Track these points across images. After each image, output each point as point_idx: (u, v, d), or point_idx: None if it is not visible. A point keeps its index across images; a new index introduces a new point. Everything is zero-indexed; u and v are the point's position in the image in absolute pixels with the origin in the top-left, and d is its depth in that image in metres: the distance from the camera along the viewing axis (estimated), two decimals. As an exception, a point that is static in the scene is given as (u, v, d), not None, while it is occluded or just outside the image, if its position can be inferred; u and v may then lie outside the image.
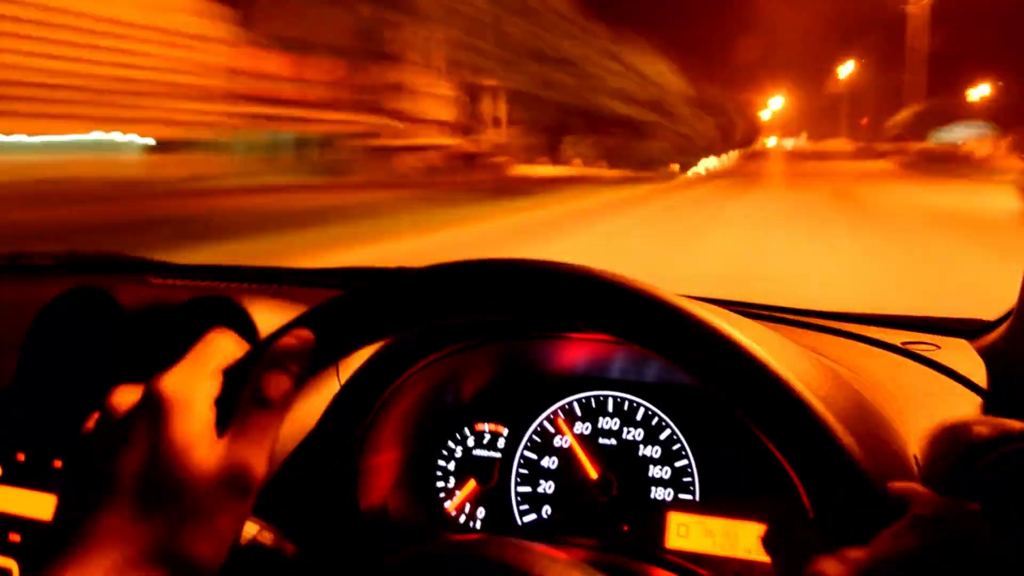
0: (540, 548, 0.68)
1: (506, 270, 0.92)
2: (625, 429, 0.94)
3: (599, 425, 0.95)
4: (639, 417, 0.94)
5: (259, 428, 0.53)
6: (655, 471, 0.91)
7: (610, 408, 0.96)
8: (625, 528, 0.90)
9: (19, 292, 1.01)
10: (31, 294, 0.95)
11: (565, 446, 0.96)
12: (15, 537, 0.81)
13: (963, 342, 0.91)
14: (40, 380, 0.90)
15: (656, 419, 0.93)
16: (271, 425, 0.54)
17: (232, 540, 0.50)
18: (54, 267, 1.04)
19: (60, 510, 0.52)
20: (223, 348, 0.57)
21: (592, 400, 0.97)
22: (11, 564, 0.80)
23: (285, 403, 0.55)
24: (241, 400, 0.54)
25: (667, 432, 0.92)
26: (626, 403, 0.95)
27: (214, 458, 0.50)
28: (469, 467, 0.98)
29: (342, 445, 0.88)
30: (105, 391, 0.86)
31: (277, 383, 0.55)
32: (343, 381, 0.88)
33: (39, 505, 0.81)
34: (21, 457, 0.83)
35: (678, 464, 0.91)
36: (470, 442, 0.99)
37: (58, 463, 0.82)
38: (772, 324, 0.85)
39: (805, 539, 0.65)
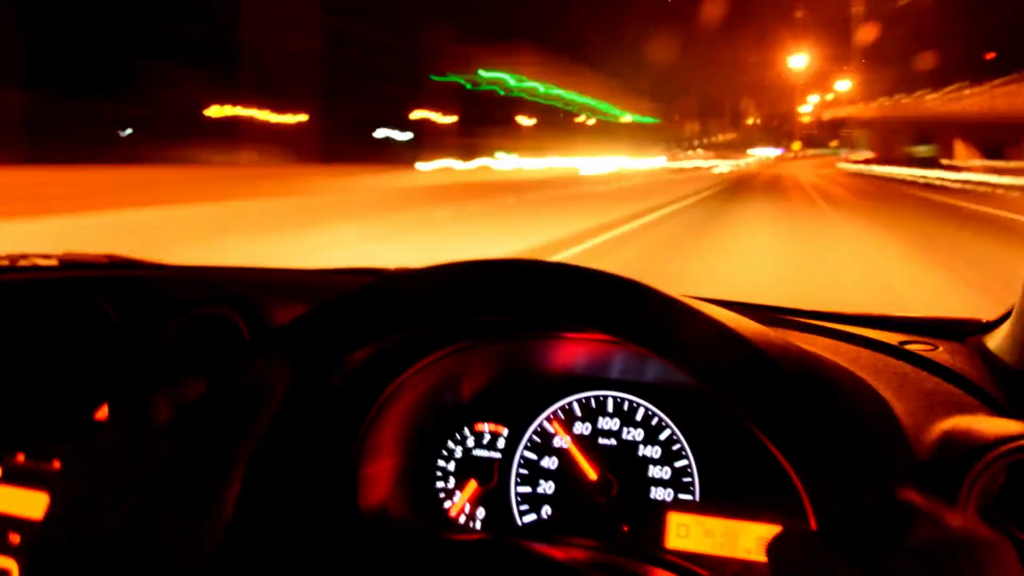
0: (539, 548, 0.68)
1: (504, 270, 0.92)
2: (625, 429, 0.94)
3: (599, 425, 0.95)
4: (639, 417, 0.94)
5: None
6: (655, 471, 0.91)
7: (610, 408, 0.96)
8: (625, 528, 0.90)
9: (20, 294, 1.01)
10: (32, 295, 0.95)
11: (565, 446, 0.96)
12: (15, 537, 0.81)
13: (962, 342, 0.91)
14: (40, 380, 0.90)
15: (656, 419, 0.93)
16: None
17: None
18: (55, 268, 1.04)
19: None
20: None
21: (592, 400, 0.97)
22: (11, 564, 0.80)
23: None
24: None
25: (667, 432, 0.92)
26: (626, 403, 0.95)
27: None
28: (469, 467, 0.98)
29: (341, 445, 0.88)
30: (105, 391, 0.86)
31: None
32: (342, 381, 0.88)
33: (39, 505, 0.81)
34: (21, 457, 0.83)
35: (678, 464, 0.91)
36: (470, 442, 0.99)
37: (58, 463, 0.82)
38: (771, 325, 0.85)
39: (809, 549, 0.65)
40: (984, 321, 0.89)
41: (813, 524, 0.81)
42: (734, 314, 0.84)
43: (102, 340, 0.91)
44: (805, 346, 0.79)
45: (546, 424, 0.97)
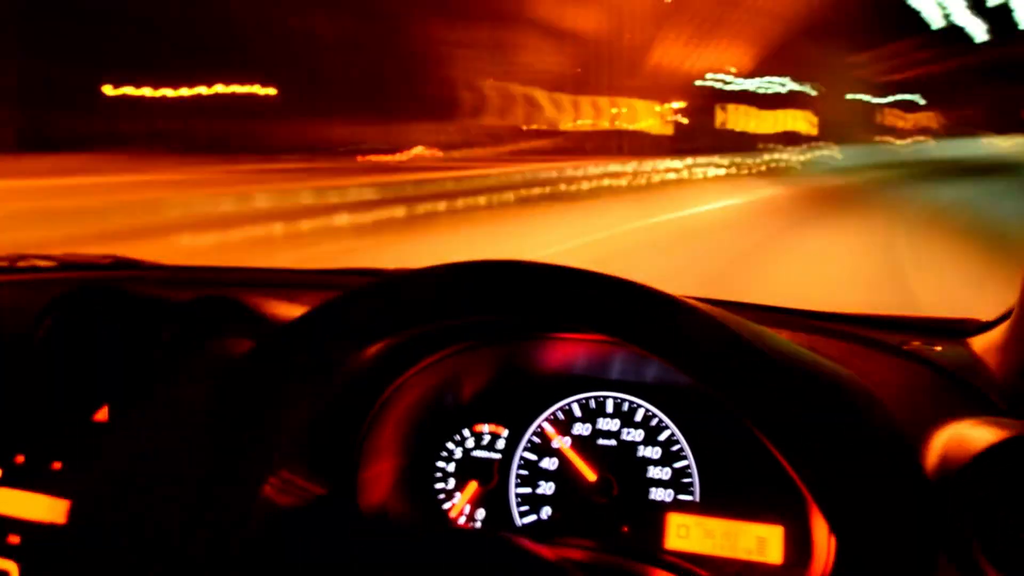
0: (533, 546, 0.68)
1: (503, 270, 0.92)
2: (625, 430, 0.94)
3: (598, 426, 0.95)
4: (639, 418, 0.94)
5: None
6: (655, 472, 0.91)
7: (609, 409, 0.96)
8: (625, 529, 0.90)
9: (19, 295, 1.01)
10: (31, 297, 0.95)
11: (565, 447, 0.96)
12: (14, 539, 0.81)
13: (962, 342, 0.91)
14: (40, 382, 0.90)
15: (656, 420, 0.93)
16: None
17: None
18: (54, 269, 1.04)
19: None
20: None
21: (591, 401, 0.97)
22: (11, 566, 0.80)
23: None
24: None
25: (667, 433, 0.92)
26: (625, 404, 0.95)
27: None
28: (469, 468, 0.98)
29: (342, 445, 0.88)
30: (105, 392, 0.86)
31: None
32: (343, 382, 0.88)
33: (39, 507, 0.81)
34: (20, 459, 0.83)
35: (678, 465, 0.91)
36: (469, 443, 0.99)
37: (57, 465, 0.82)
38: (771, 325, 0.85)
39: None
40: (984, 321, 0.89)
41: (812, 524, 0.81)
42: (732, 314, 0.84)
43: (102, 341, 0.91)
44: (804, 346, 0.79)
45: (546, 425, 0.97)
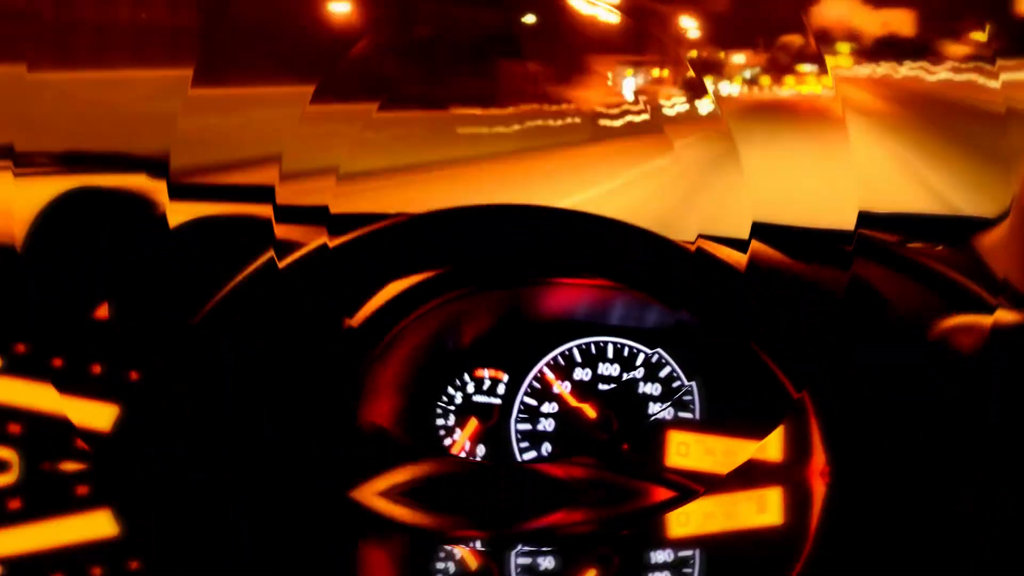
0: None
1: (505, 215, 0.96)
2: (625, 374, 0.97)
3: (599, 371, 0.98)
4: (639, 362, 0.97)
5: None
6: (655, 408, 0.94)
7: (610, 354, 0.99)
8: (625, 447, 0.91)
9: (18, 192, 0.94)
10: (29, 198, 0.90)
11: (565, 392, 0.97)
12: (15, 428, 0.77)
13: (962, 240, 0.96)
14: (42, 274, 0.85)
15: (656, 357, 0.97)
16: None
17: None
18: (56, 169, 0.98)
19: None
20: None
21: (592, 346, 0.99)
22: (11, 455, 0.77)
23: None
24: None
25: (667, 369, 0.96)
26: (626, 348, 0.98)
27: None
28: (469, 412, 0.98)
29: (342, 390, 0.87)
30: (106, 291, 0.82)
31: None
32: (344, 326, 0.88)
33: (39, 396, 0.78)
34: (21, 348, 0.79)
35: (678, 393, 0.92)
36: (470, 388, 0.99)
37: (58, 362, 0.78)
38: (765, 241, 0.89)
39: None
40: (983, 218, 0.94)
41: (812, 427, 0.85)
42: (731, 251, 0.88)
43: (102, 237, 0.87)
44: (800, 260, 0.83)
45: (546, 370, 0.99)
